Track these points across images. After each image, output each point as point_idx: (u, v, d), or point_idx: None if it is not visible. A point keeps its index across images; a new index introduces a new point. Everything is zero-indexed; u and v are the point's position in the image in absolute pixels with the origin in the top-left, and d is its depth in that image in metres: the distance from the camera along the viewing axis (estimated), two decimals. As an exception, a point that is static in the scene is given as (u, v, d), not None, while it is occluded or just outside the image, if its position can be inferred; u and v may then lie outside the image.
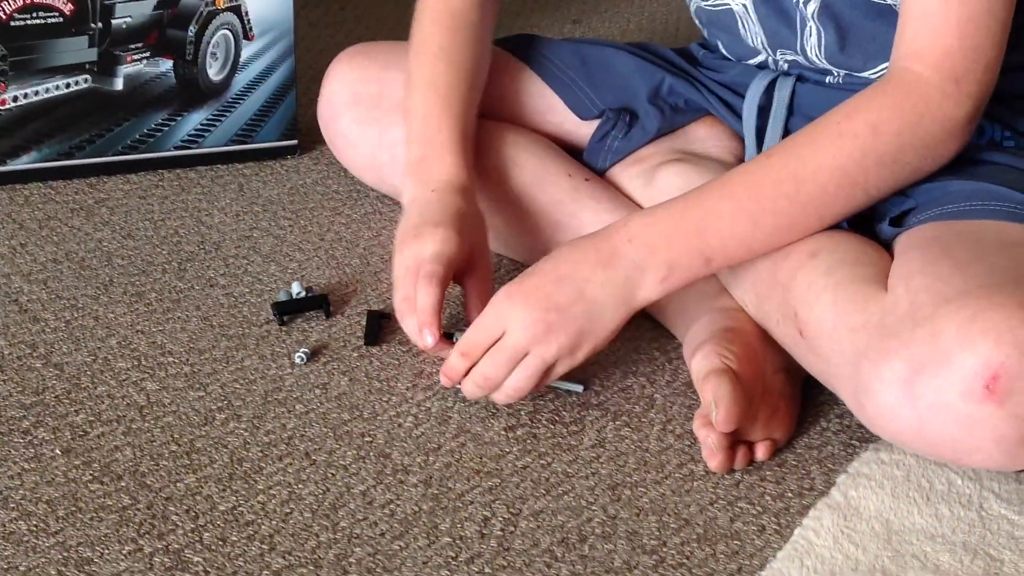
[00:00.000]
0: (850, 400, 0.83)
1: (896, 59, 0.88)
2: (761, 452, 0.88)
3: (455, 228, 0.95)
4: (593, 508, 0.84)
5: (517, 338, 0.88)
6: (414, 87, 1.04)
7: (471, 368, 0.90)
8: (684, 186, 1.01)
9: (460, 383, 0.91)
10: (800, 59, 1.01)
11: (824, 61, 0.99)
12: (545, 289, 0.88)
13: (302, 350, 0.98)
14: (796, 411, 0.92)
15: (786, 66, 1.03)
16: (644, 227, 0.89)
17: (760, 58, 1.05)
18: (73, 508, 0.82)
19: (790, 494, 0.86)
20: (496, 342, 0.88)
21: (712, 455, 0.86)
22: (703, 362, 0.88)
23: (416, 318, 0.91)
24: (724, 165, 1.05)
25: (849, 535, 0.82)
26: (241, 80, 1.28)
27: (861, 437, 0.91)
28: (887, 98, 0.86)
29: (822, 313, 0.84)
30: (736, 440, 0.87)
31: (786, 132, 1.03)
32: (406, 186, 1.01)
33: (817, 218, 0.88)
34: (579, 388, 0.94)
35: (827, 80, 1.02)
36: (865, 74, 0.99)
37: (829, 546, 0.81)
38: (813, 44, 0.98)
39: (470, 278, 0.97)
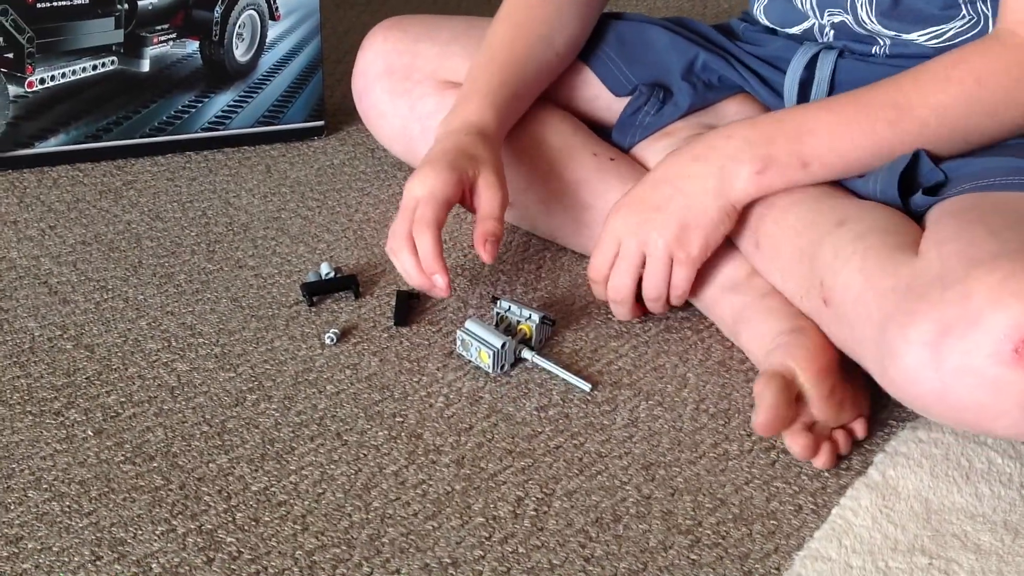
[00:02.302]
0: (873, 365, 0.82)
1: (1001, 24, 0.89)
2: (859, 430, 0.87)
3: (448, 164, 0.95)
4: (627, 488, 0.83)
5: (628, 245, 0.94)
6: (473, 60, 1.06)
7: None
8: None
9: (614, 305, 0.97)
10: (849, 19, 1.00)
11: (874, 20, 0.98)
12: (643, 194, 0.94)
13: (332, 330, 0.98)
14: (867, 387, 0.91)
15: (832, 33, 1.02)
16: (743, 126, 0.92)
17: (807, 23, 1.04)
18: (106, 489, 0.82)
19: (826, 474, 0.85)
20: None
21: (811, 458, 0.85)
22: (767, 360, 0.88)
23: (411, 257, 0.93)
24: None
25: (888, 514, 0.81)
26: (267, 61, 1.27)
27: (898, 417, 0.90)
28: (992, 53, 0.88)
29: (848, 278, 0.83)
30: (831, 430, 0.86)
31: None
32: (438, 127, 1.02)
33: (912, 148, 0.89)
34: (587, 387, 0.92)
35: (872, 51, 1.00)
36: (912, 36, 0.98)
37: (868, 525, 0.80)
38: (864, 1, 0.98)
39: (476, 200, 0.97)
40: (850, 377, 0.89)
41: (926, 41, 0.98)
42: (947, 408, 0.77)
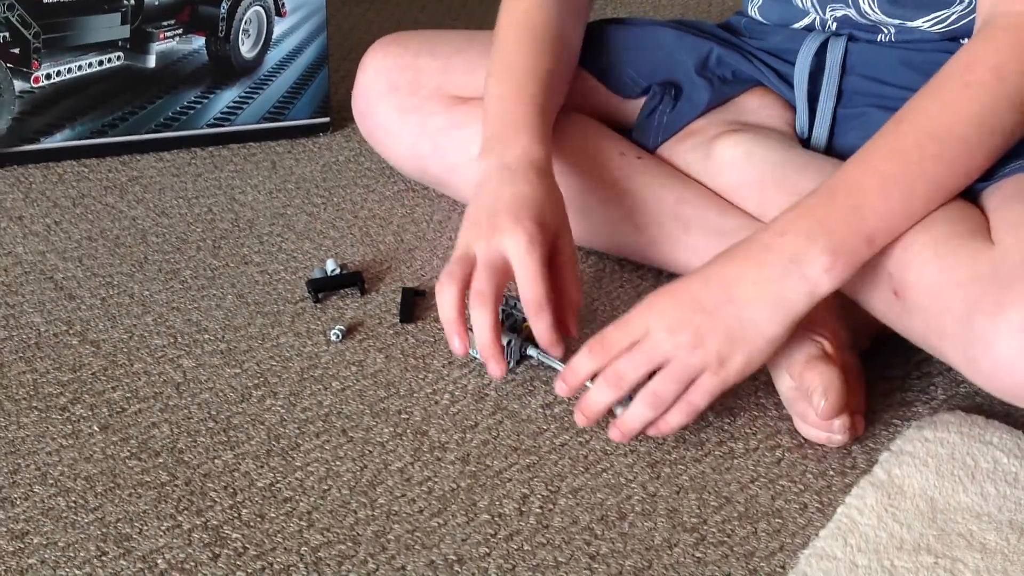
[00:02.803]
0: (958, 357, 0.80)
1: (993, 9, 0.86)
2: (859, 427, 0.87)
3: (536, 222, 0.88)
4: (632, 486, 0.83)
5: (659, 339, 0.81)
6: (489, 77, 1.01)
7: (601, 371, 0.82)
8: (745, 156, 0.99)
9: (582, 391, 0.85)
10: (851, 12, 0.99)
11: (876, 10, 0.97)
12: (692, 289, 0.82)
13: (337, 327, 0.98)
14: (865, 385, 0.91)
15: (835, 25, 1.02)
16: (794, 219, 0.82)
17: (808, 19, 1.03)
18: (111, 484, 0.82)
19: (832, 472, 0.85)
20: (634, 344, 0.82)
21: (834, 438, 0.85)
22: (798, 349, 0.85)
23: (491, 318, 0.86)
24: (781, 134, 1.03)
25: (893, 513, 0.81)
26: (273, 57, 1.27)
27: (903, 415, 0.90)
28: (999, 42, 0.84)
29: (922, 271, 0.81)
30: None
31: (839, 92, 1.01)
32: (479, 165, 0.95)
33: (964, 173, 0.84)
34: (562, 366, 0.88)
35: (878, 38, 1.00)
36: (916, 23, 0.97)
37: (873, 524, 0.80)
38: None
39: (555, 265, 0.92)
40: (851, 377, 0.89)
41: (930, 27, 0.97)
42: None
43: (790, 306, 0.81)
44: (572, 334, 0.92)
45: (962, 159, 0.83)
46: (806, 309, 0.82)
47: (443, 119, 1.10)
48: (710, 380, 0.82)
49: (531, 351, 0.94)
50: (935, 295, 0.81)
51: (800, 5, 1.02)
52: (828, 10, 1.01)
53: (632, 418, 0.84)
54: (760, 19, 1.07)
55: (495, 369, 0.88)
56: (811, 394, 0.83)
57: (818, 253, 0.81)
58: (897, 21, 0.98)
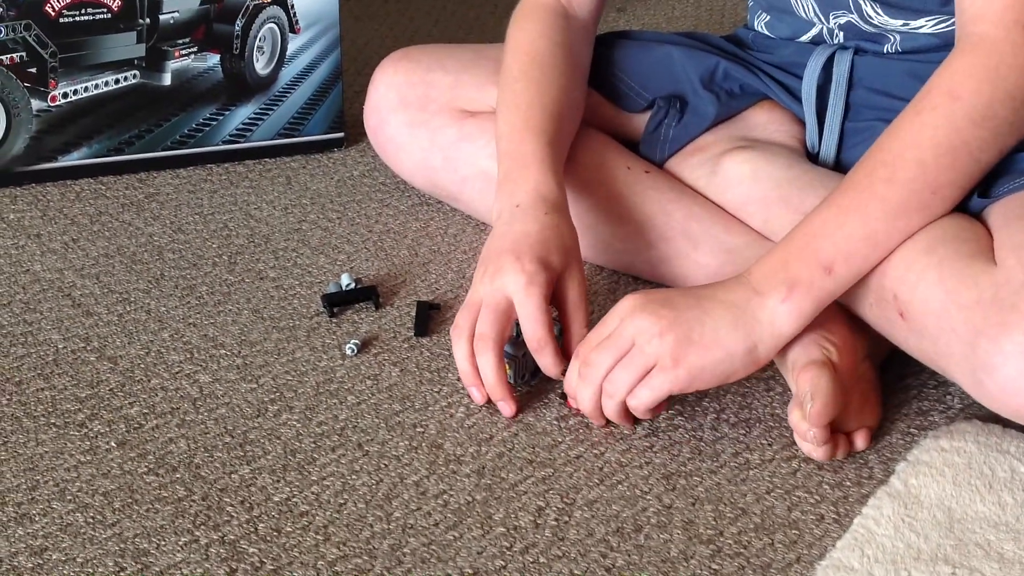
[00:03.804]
0: (965, 379, 0.81)
1: (961, 29, 0.87)
2: (860, 441, 0.87)
3: (541, 263, 0.89)
4: (648, 498, 0.83)
5: (624, 327, 0.84)
6: (498, 113, 1.01)
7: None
8: (752, 174, 1.00)
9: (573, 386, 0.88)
10: (854, 18, 0.99)
11: (880, 12, 0.97)
12: (668, 293, 0.87)
13: (352, 341, 0.98)
14: (881, 397, 0.91)
15: (840, 35, 1.02)
16: (759, 262, 0.86)
17: (815, 30, 1.03)
18: (129, 500, 0.83)
19: (848, 483, 0.85)
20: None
21: (815, 449, 0.85)
22: (802, 352, 0.85)
23: (496, 377, 0.88)
24: (789, 150, 1.03)
25: (910, 523, 0.80)
26: (288, 74, 1.28)
27: (919, 425, 0.90)
28: (956, 63, 0.85)
29: (927, 293, 0.82)
30: (834, 431, 0.85)
31: (847, 106, 1.01)
32: (495, 204, 0.96)
33: (930, 193, 0.84)
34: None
35: (884, 49, 1.00)
36: (920, 22, 0.96)
37: (890, 535, 0.79)
38: None
39: (563, 303, 0.92)
40: (867, 388, 0.89)
41: (934, 27, 0.97)
42: None
43: (750, 331, 0.84)
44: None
45: (921, 181, 0.84)
46: (770, 341, 0.84)
47: (453, 132, 1.11)
48: (659, 376, 0.84)
49: None
50: (940, 317, 0.81)
51: (804, 16, 1.02)
52: (832, 18, 1.01)
53: (581, 399, 0.87)
54: (767, 33, 1.08)
55: (506, 410, 0.90)
56: (802, 398, 0.84)
57: (776, 285, 0.84)
58: (901, 23, 0.97)
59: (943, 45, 0.97)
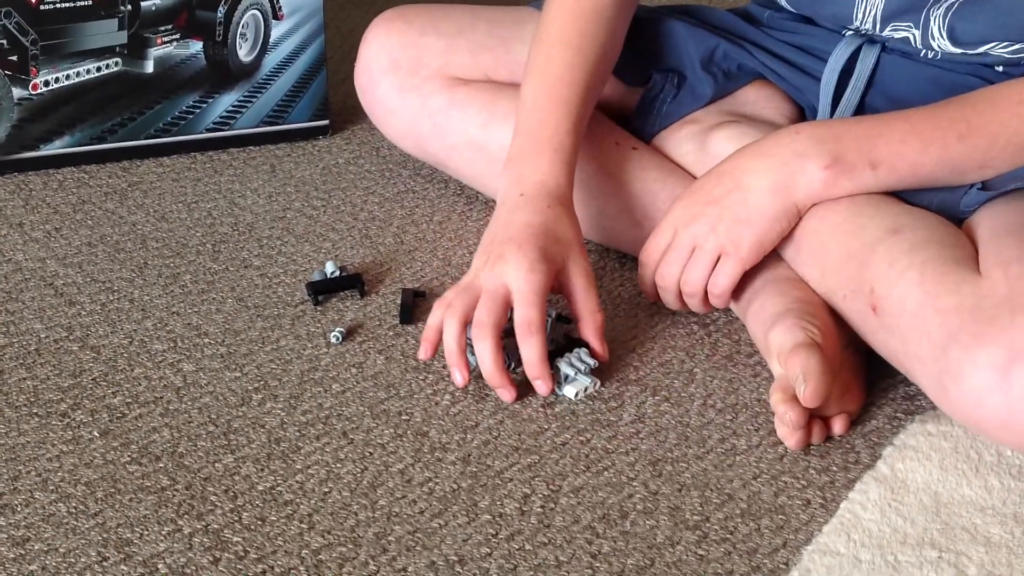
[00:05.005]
0: (930, 383, 0.81)
1: None
2: (838, 426, 0.86)
3: (541, 254, 0.89)
4: (634, 484, 0.83)
5: (681, 235, 0.92)
6: (527, 75, 0.99)
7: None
8: None
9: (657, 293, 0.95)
10: (914, 35, 0.96)
11: (945, 39, 0.94)
12: (706, 186, 0.92)
13: (337, 329, 0.98)
14: (865, 383, 0.91)
15: (878, 31, 0.97)
16: (814, 124, 0.90)
17: (853, 26, 0.99)
18: (112, 489, 0.82)
19: (835, 468, 0.84)
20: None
21: (791, 433, 0.84)
22: (787, 335, 0.85)
23: (496, 349, 0.88)
24: (779, 127, 1.02)
25: (897, 508, 0.80)
26: (271, 61, 1.27)
27: (906, 410, 0.90)
28: None
29: (905, 292, 0.82)
30: (812, 415, 0.85)
31: (860, 106, 1.00)
32: (501, 181, 0.96)
33: (977, 167, 0.88)
34: (588, 380, 0.91)
35: (922, 54, 0.97)
36: (980, 50, 0.94)
37: (876, 519, 0.79)
38: (939, 15, 0.93)
39: (571, 291, 0.92)
40: (849, 375, 0.89)
41: (1003, 50, 0.95)
42: (1011, 433, 0.76)
43: (788, 192, 0.89)
44: (604, 358, 0.92)
45: (981, 152, 0.87)
46: (805, 200, 0.89)
47: (443, 99, 1.10)
48: (727, 263, 0.91)
49: (561, 364, 0.92)
50: (915, 317, 0.81)
51: (855, 18, 0.98)
52: (890, 28, 0.97)
53: (667, 303, 0.96)
54: (791, 8, 1.04)
55: (506, 395, 0.89)
56: (794, 381, 0.83)
57: (821, 153, 0.88)
58: (959, 52, 0.95)
59: (982, 64, 0.96)
